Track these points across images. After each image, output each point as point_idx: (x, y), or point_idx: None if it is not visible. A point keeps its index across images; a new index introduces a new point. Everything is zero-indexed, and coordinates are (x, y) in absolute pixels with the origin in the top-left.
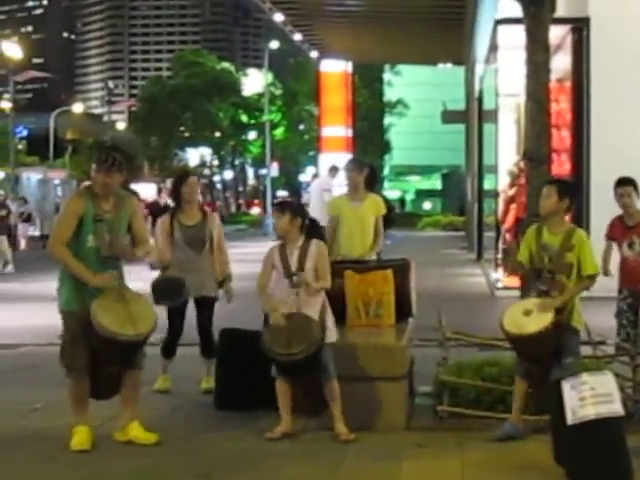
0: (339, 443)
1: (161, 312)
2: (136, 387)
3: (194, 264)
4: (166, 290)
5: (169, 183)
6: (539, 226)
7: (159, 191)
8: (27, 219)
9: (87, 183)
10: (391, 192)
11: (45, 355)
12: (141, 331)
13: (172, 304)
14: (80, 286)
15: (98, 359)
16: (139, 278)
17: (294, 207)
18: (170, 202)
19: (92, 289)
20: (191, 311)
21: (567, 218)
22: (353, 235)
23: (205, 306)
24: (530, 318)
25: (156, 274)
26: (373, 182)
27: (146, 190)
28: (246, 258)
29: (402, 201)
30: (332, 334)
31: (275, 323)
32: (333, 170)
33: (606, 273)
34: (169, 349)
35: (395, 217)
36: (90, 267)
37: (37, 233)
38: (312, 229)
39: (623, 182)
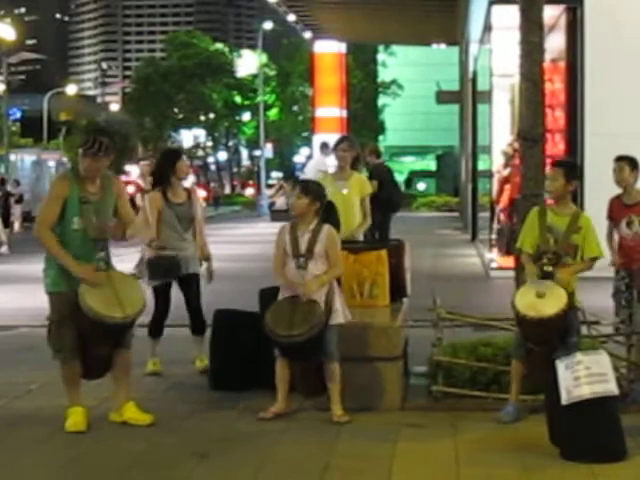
0: (334, 424)
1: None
2: (126, 367)
3: (182, 242)
4: (162, 268)
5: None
6: (542, 208)
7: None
8: (19, 200)
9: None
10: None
11: (41, 337)
12: (129, 313)
13: (166, 281)
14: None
15: (87, 340)
16: (130, 260)
17: (316, 190)
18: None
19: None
20: (176, 292)
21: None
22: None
23: (192, 284)
24: (545, 301)
25: (150, 252)
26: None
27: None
28: (240, 240)
29: (409, 181)
30: (338, 315)
31: (283, 299)
32: (324, 148)
33: (614, 262)
34: (157, 329)
35: (401, 200)
36: (76, 250)
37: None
38: (328, 212)
39: (619, 158)
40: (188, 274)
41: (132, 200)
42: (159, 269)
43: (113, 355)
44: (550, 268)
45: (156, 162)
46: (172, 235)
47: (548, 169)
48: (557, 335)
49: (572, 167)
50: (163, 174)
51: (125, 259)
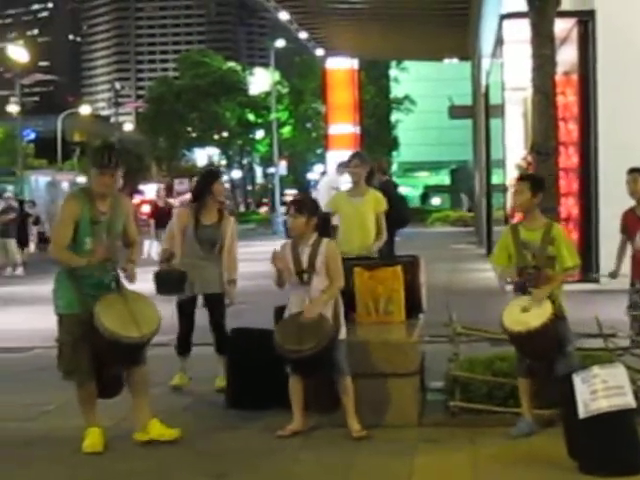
0: (351, 440)
1: (169, 311)
2: (145, 383)
3: (202, 262)
4: (168, 282)
5: (177, 183)
6: (513, 225)
7: (159, 192)
8: (35, 222)
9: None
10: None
11: (55, 358)
12: (145, 332)
13: (172, 295)
14: (80, 288)
15: (102, 360)
16: (142, 279)
17: (310, 207)
18: (173, 202)
19: (92, 291)
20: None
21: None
22: (352, 232)
23: (214, 303)
24: (530, 314)
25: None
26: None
27: (154, 191)
28: (255, 257)
29: (425, 196)
30: (343, 330)
31: (291, 316)
32: (341, 167)
33: (614, 274)
34: (183, 346)
35: (409, 216)
36: (88, 269)
37: (48, 234)
38: (323, 226)
39: (633, 170)
40: (209, 294)
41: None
42: (165, 282)
43: (129, 373)
44: (531, 283)
45: (196, 182)
46: (189, 253)
47: (515, 183)
48: (550, 347)
49: (537, 181)
50: (199, 194)
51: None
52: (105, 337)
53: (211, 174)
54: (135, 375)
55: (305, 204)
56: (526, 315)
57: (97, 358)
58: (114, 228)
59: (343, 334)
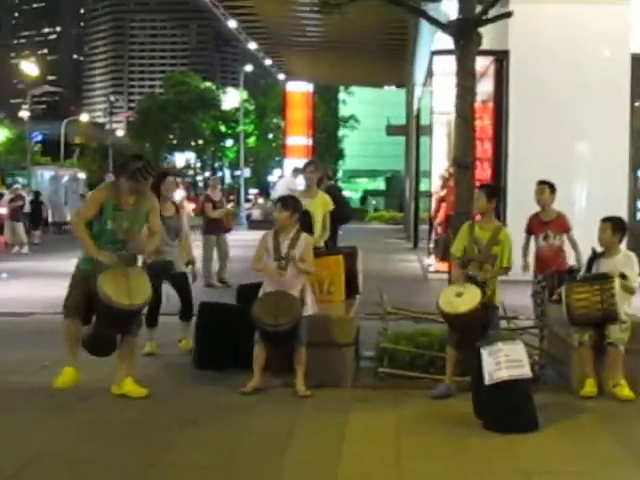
0: (298, 398)
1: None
2: (131, 351)
3: (168, 247)
4: (157, 271)
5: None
6: (471, 223)
7: None
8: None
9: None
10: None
11: (53, 322)
12: (135, 302)
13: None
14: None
15: (97, 319)
16: None
17: (295, 204)
18: None
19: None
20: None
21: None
22: None
23: (181, 279)
24: (462, 299)
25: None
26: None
27: None
28: None
29: (364, 198)
30: (308, 308)
31: (268, 293)
32: (295, 172)
33: (525, 267)
34: (152, 319)
35: (351, 214)
36: (106, 242)
37: (50, 220)
38: (303, 220)
39: (541, 182)
40: (176, 273)
41: None
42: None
43: (122, 340)
44: (474, 272)
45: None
46: (161, 242)
47: (475, 191)
48: (475, 327)
49: (493, 189)
50: (155, 193)
51: None
52: (102, 301)
53: (159, 176)
54: (124, 343)
55: (289, 201)
56: (458, 300)
57: (93, 313)
58: (135, 219)
59: (308, 311)
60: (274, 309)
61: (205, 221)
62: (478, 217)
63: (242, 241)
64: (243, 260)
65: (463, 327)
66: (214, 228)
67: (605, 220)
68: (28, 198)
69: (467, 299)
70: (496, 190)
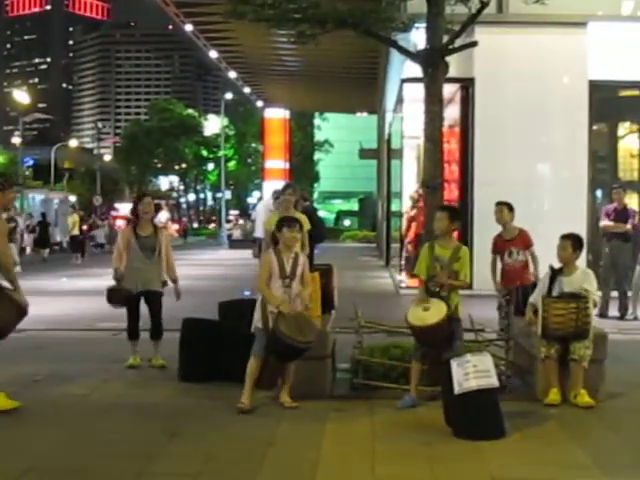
0: (278, 408)
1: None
2: None
3: (144, 266)
4: (117, 298)
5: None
6: (431, 243)
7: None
8: (32, 230)
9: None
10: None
11: (44, 338)
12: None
13: (118, 307)
14: None
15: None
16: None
17: (298, 224)
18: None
19: None
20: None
21: (455, 235)
22: None
23: (153, 298)
24: (429, 313)
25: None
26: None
27: (127, 208)
28: (204, 263)
29: (338, 218)
30: None
31: (287, 313)
32: (274, 194)
33: (496, 285)
34: (132, 333)
35: (325, 233)
36: None
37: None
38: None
39: (499, 203)
40: (149, 291)
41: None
42: (115, 298)
43: None
44: (437, 289)
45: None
46: (134, 259)
47: (437, 212)
48: (441, 339)
49: (454, 211)
50: (133, 213)
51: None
52: None
53: (137, 197)
54: None
55: (294, 222)
56: (425, 314)
57: None
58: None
59: None
60: (297, 327)
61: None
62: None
63: (222, 259)
64: (223, 278)
65: (431, 339)
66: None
67: (565, 237)
68: (21, 221)
69: (434, 312)
70: (457, 212)
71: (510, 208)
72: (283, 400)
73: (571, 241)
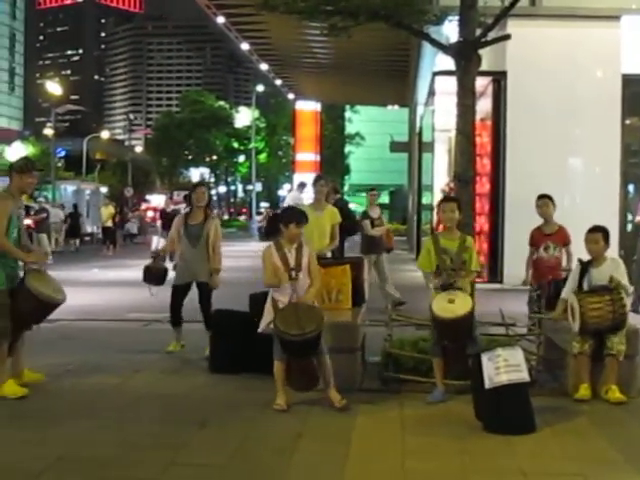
0: (306, 401)
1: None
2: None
3: (191, 255)
4: (152, 275)
5: (176, 195)
6: (434, 236)
7: (167, 201)
8: (65, 221)
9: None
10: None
11: (75, 328)
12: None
13: (153, 285)
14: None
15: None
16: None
17: (305, 219)
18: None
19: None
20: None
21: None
22: (312, 237)
23: (201, 289)
24: (455, 305)
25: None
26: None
27: (157, 200)
28: (235, 255)
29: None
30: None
31: (286, 305)
32: (301, 186)
33: (525, 283)
34: (175, 319)
35: (356, 226)
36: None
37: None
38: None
39: (542, 196)
40: (197, 281)
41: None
42: (150, 275)
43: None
44: (452, 280)
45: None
46: (184, 249)
47: (445, 204)
48: (467, 331)
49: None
50: (187, 201)
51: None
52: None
53: (193, 186)
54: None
55: (305, 219)
56: (453, 305)
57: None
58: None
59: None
60: (296, 319)
61: (363, 240)
62: (441, 228)
63: (253, 251)
64: (253, 269)
65: (455, 331)
66: (373, 247)
67: (595, 230)
68: (52, 211)
69: (461, 304)
70: (459, 204)
71: (553, 202)
72: (333, 399)
73: (602, 234)
